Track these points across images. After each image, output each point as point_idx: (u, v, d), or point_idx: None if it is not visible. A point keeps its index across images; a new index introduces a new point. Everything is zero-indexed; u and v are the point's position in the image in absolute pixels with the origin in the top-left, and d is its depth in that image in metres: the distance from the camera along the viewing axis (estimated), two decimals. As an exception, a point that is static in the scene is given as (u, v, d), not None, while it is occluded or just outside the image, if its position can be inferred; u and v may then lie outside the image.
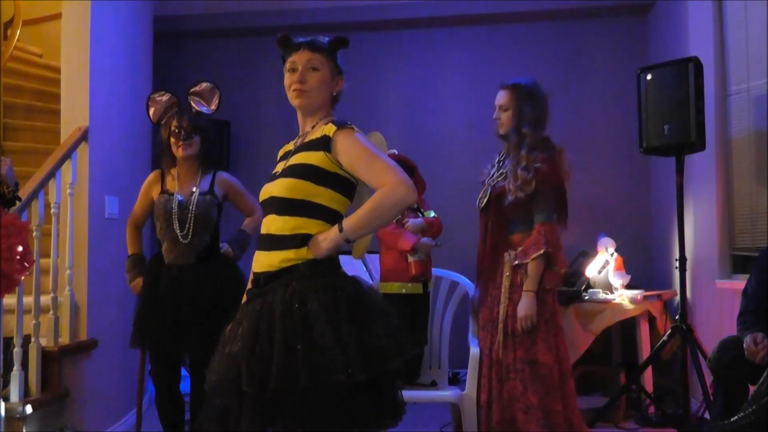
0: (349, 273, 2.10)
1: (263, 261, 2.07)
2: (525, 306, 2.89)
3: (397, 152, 3.62)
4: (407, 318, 3.30)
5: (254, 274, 2.11)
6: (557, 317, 3.01)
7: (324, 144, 2.06)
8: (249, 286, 2.15)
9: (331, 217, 2.05)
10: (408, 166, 3.57)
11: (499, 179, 3.06)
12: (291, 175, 2.06)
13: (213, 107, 3.35)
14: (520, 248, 2.97)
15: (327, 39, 2.19)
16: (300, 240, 2.01)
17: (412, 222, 3.56)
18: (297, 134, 2.23)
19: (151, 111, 3.35)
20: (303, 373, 1.82)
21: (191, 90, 3.35)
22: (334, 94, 2.20)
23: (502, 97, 3.10)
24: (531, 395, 2.85)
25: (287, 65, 2.16)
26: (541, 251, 2.88)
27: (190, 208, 3.23)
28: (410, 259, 3.54)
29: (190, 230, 3.21)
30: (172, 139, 3.28)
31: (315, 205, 2.04)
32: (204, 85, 3.35)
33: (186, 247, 3.22)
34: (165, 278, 3.22)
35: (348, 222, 2.00)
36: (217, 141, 4.71)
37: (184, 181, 3.31)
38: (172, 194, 3.26)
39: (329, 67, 2.16)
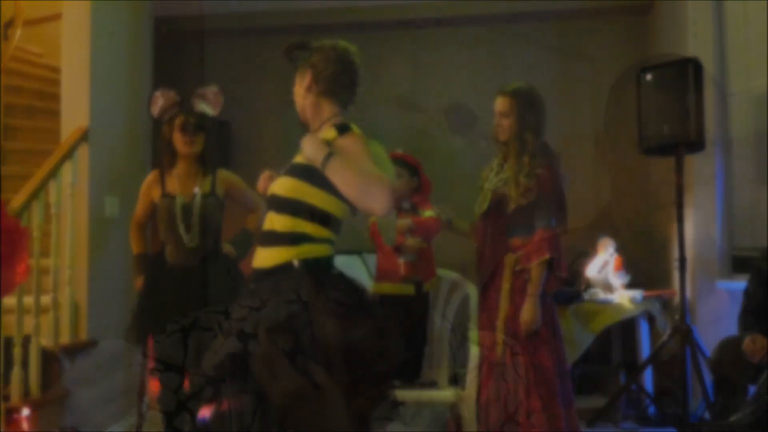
0: (349, 273, 2.09)
1: (261, 257, 2.10)
2: (530, 311, 2.89)
3: (401, 152, 3.61)
4: (400, 319, 3.31)
5: (254, 269, 2.13)
6: (555, 319, 3.02)
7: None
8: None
9: (322, 219, 2.04)
10: (411, 165, 3.56)
11: (499, 184, 3.05)
12: (290, 174, 2.10)
13: (216, 110, 3.35)
14: (520, 252, 2.96)
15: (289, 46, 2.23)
16: (292, 239, 2.02)
17: (398, 224, 3.54)
18: (297, 134, 2.23)
19: (153, 107, 3.35)
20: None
21: (196, 91, 3.35)
22: (322, 90, 2.20)
23: (502, 104, 3.02)
24: (533, 400, 2.85)
25: None
26: (546, 257, 2.88)
27: (195, 212, 3.21)
28: (399, 260, 3.53)
29: (196, 234, 3.20)
30: (178, 135, 3.24)
31: (306, 205, 2.04)
32: (209, 87, 3.35)
33: (191, 251, 3.21)
34: (169, 280, 3.21)
35: (337, 161, 1.97)
36: (217, 141, 4.72)
37: (185, 181, 3.28)
38: (174, 197, 3.24)
39: (308, 73, 2.20)
